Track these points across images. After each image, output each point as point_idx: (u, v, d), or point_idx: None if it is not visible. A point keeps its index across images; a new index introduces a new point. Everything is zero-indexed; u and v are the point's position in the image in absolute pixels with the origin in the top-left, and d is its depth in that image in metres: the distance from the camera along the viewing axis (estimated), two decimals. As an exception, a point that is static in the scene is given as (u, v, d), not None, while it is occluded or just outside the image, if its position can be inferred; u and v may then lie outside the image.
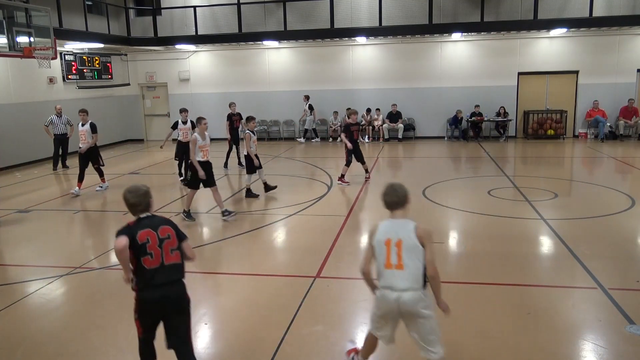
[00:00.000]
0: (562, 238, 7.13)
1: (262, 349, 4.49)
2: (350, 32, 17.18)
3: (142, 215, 3.70)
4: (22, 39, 10.76)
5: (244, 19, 17.34)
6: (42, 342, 4.77)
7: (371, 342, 3.91)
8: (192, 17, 17.65)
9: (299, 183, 11.60)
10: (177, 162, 11.96)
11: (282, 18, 17.02)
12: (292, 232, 8.14)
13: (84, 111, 10.78)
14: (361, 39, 17.78)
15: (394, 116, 18.10)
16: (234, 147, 13.78)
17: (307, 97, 18.69)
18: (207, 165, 8.56)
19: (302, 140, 18.89)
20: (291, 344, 4.55)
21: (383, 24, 16.52)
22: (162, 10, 18.73)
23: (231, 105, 13.89)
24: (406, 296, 3.45)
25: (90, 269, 6.64)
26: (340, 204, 9.61)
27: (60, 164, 14.16)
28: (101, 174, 11.09)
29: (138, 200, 3.69)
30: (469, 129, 17.92)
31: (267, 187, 10.25)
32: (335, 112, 18.56)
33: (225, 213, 8.58)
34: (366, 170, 11.31)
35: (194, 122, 9.81)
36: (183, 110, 12.06)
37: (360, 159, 11.09)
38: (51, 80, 16.00)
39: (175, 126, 11.89)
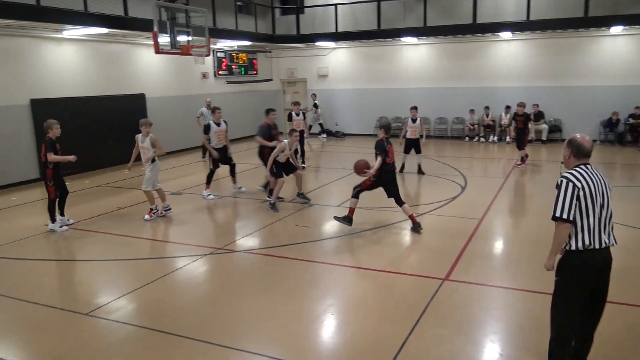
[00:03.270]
0: None
1: (386, 346, 4.49)
2: (495, 27, 16.34)
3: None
4: (181, 38, 11.83)
5: (383, 15, 17.34)
6: (185, 314, 5.24)
7: None
8: (333, 15, 18.08)
9: (431, 182, 11.36)
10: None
11: (422, 14, 16.73)
12: (422, 231, 7.99)
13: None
14: (506, 34, 16.85)
15: (535, 116, 16.92)
16: None
17: (314, 96, 19.28)
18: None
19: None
20: (415, 344, 4.49)
21: (531, 18, 15.49)
22: (305, 9, 19.45)
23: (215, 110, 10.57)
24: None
25: (231, 251, 7.15)
26: (474, 206, 9.22)
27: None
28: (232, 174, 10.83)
29: None
30: (627, 132, 16.16)
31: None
32: (472, 111, 17.86)
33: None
34: (522, 158, 12.69)
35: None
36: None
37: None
38: (204, 76, 17.46)
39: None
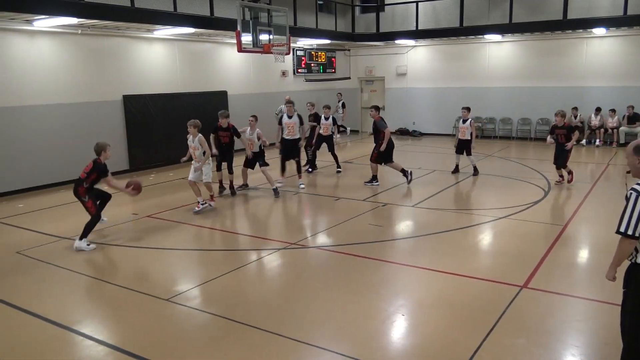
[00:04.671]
0: None
1: (458, 351, 4.37)
2: (587, 23, 15.41)
3: None
4: (263, 37, 12.14)
5: (466, 13, 16.85)
6: (258, 305, 5.38)
7: None
8: (413, 13, 17.81)
9: (512, 185, 10.90)
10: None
11: (508, 10, 16.08)
12: (499, 236, 7.71)
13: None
14: (599, 31, 15.83)
15: (630, 118, 15.78)
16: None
17: (340, 95, 18.64)
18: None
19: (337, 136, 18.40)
20: (489, 352, 4.34)
21: (629, 13, 14.45)
22: (386, 7, 19.30)
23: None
24: None
25: (304, 247, 7.25)
26: (557, 212, 8.76)
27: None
28: (299, 169, 11.25)
29: None
30: None
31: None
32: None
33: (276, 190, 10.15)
34: (561, 175, 10.68)
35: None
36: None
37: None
38: (283, 74, 17.81)
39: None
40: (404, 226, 8.41)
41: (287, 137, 10.96)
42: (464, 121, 11.70)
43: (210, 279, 6.10)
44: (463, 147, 11.75)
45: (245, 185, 10.78)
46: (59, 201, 10.04)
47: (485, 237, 7.67)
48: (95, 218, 7.34)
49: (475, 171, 11.79)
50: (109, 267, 6.95)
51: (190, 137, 8.93)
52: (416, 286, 5.90)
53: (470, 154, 11.70)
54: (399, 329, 4.84)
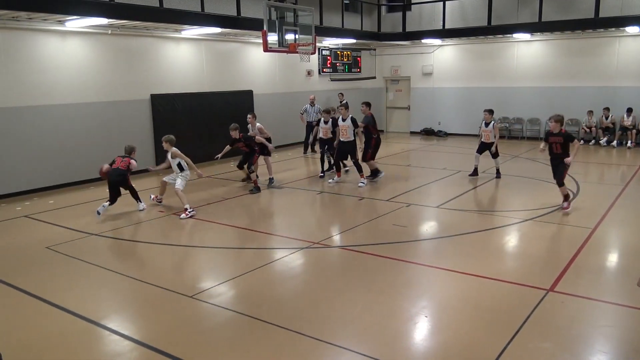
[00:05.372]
0: None
1: (482, 354, 4.32)
2: (620, 22, 15.01)
3: None
4: (289, 36, 12.19)
5: (494, 11, 16.60)
6: (281, 304, 5.41)
7: None
8: (440, 11, 17.64)
9: (539, 187, 10.71)
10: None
11: (537, 8, 15.78)
12: (525, 238, 7.59)
13: (345, 106, 11.28)
14: (632, 29, 15.42)
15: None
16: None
17: (342, 95, 17.34)
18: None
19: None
20: (513, 355, 4.27)
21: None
22: (412, 6, 19.16)
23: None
24: None
25: (327, 246, 7.25)
26: (586, 214, 8.55)
27: (310, 149, 15.75)
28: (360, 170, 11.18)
29: None
30: None
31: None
32: (590, 112, 16.61)
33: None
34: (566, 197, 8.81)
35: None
36: (326, 111, 11.93)
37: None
38: (309, 73, 17.84)
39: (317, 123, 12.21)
40: (428, 227, 8.34)
41: (342, 139, 11.06)
42: (487, 124, 11.36)
43: (234, 276, 6.16)
44: (486, 149, 11.43)
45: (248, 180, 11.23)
46: (88, 198, 10.27)
47: (511, 239, 7.56)
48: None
49: (498, 174, 11.53)
50: (135, 264, 7.08)
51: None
52: (440, 287, 5.85)
53: (497, 156, 11.46)
54: (421, 330, 4.81)
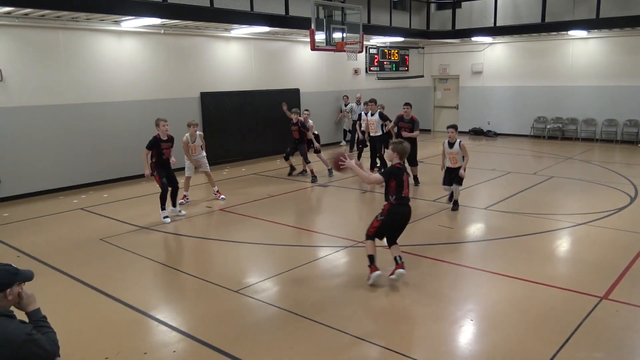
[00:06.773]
0: None
1: (529, 360, 4.20)
2: (685, 17, 14.27)
3: None
4: (336, 35, 12.19)
5: (549, 8, 16.06)
6: (325, 302, 5.42)
7: None
8: (492, 9, 17.22)
9: (594, 190, 10.30)
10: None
11: (595, 5, 15.17)
12: (578, 243, 7.32)
13: (373, 101, 11.49)
14: (699, 25, 14.62)
15: None
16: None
17: (346, 97, 16.78)
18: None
19: (343, 143, 17.14)
20: (563, 364, 4.14)
21: None
22: (462, 3, 18.78)
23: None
24: None
25: (370, 246, 7.21)
26: (644, 219, 8.18)
27: (355, 147, 15.70)
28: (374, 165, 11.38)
29: None
30: None
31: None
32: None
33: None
34: None
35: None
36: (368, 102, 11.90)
37: None
38: (356, 72, 17.79)
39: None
40: (475, 229, 8.17)
41: (371, 134, 11.57)
42: (451, 144, 8.95)
43: (279, 273, 6.23)
44: (451, 175, 9.01)
45: (296, 171, 12.15)
46: (140, 192, 10.62)
47: (563, 244, 7.31)
48: (163, 192, 8.42)
49: (455, 205, 8.94)
50: (184, 257, 7.27)
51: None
52: (487, 291, 5.72)
53: (459, 183, 8.90)
54: (466, 335, 4.72)
